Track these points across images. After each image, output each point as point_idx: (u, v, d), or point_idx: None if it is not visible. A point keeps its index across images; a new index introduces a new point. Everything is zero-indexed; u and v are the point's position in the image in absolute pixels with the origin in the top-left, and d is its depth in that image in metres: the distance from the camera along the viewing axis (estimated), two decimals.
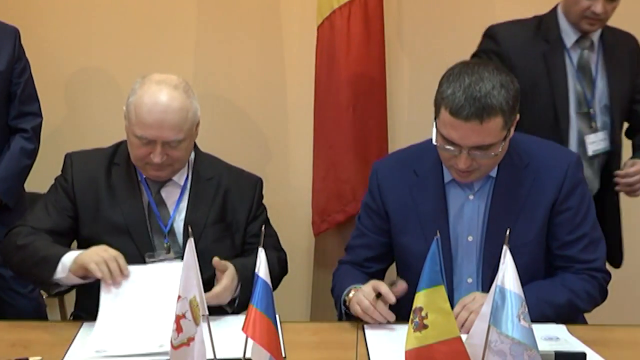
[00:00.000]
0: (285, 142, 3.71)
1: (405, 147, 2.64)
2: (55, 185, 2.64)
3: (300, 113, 3.65)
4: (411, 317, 1.77)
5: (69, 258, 2.38)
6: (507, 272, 1.73)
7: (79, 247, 2.66)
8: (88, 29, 3.62)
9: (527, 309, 1.72)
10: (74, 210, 2.59)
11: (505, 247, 1.74)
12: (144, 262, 2.53)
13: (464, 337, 1.80)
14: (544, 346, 2.09)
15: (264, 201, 2.78)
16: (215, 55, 3.65)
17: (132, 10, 3.62)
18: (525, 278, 2.27)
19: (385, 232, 2.56)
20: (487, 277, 2.39)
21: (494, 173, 2.42)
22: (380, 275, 2.60)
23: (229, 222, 2.65)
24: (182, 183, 2.62)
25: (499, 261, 2.05)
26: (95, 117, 3.62)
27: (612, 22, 3.33)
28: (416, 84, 3.61)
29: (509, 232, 2.21)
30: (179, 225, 2.60)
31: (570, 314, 2.39)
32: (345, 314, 2.42)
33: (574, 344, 2.19)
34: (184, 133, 2.48)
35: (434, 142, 2.34)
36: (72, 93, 3.68)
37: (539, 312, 2.28)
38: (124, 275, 2.35)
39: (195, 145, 2.69)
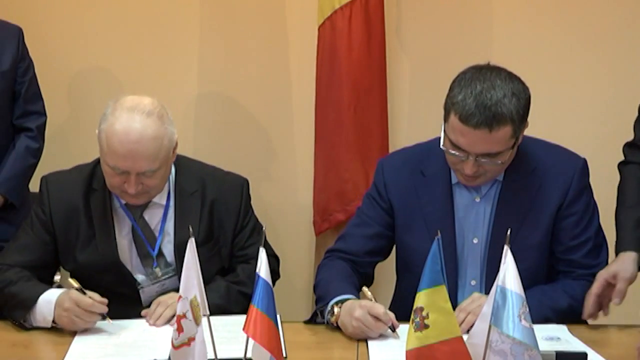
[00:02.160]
0: (286, 142, 3.70)
1: (412, 146, 2.63)
2: (32, 219, 2.54)
3: (301, 113, 3.64)
4: (412, 317, 1.77)
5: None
6: (508, 272, 1.73)
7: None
8: (91, 29, 3.62)
9: (528, 309, 1.72)
10: (54, 244, 2.51)
11: (506, 247, 1.74)
12: (137, 292, 2.50)
13: (465, 337, 1.80)
14: (545, 346, 2.09)
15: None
16: (217, 55, 3.65)
17: (136, 10, 3.61)
18: (528, 281, 2.29)
19: (389, 225, 2.54)
20: (490, 279, 2.39)
21: (500, 177, 2.42)
22: (371, 270, 2.58)
23: (217, 236, 2.57)
24: (163, 202, 2.52)
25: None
26: (99, 118, 3.62)
27: (612, 22, 3.33)
28: (416, 83, 3.61)
29: (514, 235, 2.21)
30: (167, 247, 2.53)
31: (571, 319, 2.39)
32: (320, 315, 2.37)
33: (575, 344, 2.19)
34: (159, 162, 2.36)
35: (441, 146, 2.33)
36: (75, 93, 3.67)
37: (542, 316, 2.28)
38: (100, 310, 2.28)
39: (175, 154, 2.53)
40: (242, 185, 2.63)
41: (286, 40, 3.62)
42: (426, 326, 1.75)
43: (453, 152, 2.30)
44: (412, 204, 2.49)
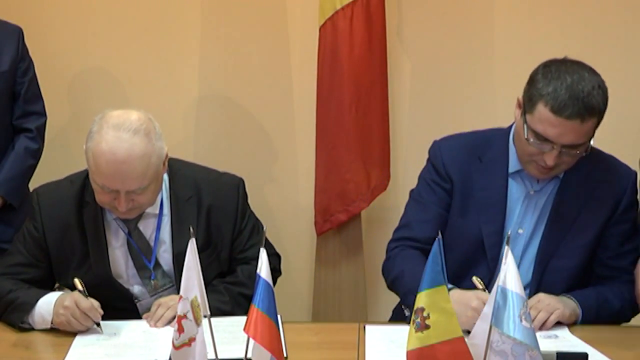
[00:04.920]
0: (287, 142, 3.70)
1: (468, 132, 2.61)
2: (25, 235, 2.50)
3: (302, 113, 3.64)
4: (413, 317, 1.77)
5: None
6: (509, 273, 1.73)
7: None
8: (92, 30, 3.62)
9: (528, 309, 1.72)
10: (48, 260, 2.49)
11: (507, 248, 1.74)
12: (134, 306, 2.48)
13: (465, 337, 1.80)
14: (546, 346, 2.09)
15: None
16: (219, 56, 3.65)
17: (137, 11, 3.61)
18: (573, 280, 2.37)
19: (449, 206, 2.51)
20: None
21: (560, 174, 2.43)
22: None
23: (215, 242, 2.53)
24: (157, 211, 2.48)
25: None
26: None
27: (615, 24, 3.30)
28: (417, 83, 3.60)
29: (565, 234, 2.30)
30: (163, 256, 2.50)
31: (618, 319, 2.42)
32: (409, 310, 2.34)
33: (576, 344, 2.19)
34: (148, 179, 2.32)
35: (524, 137, 2.30)
36: (76, 93, 3.67)
37: (598, 318, 2.33)
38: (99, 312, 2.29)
39: (167, 164, 2.47)
40: (237, 186, 2.59)
41: (287, 40, 3.62)
42: (427, 326, 1.75)
43: (537, 142, 2.29)
44: (467, 186, 2.48)
